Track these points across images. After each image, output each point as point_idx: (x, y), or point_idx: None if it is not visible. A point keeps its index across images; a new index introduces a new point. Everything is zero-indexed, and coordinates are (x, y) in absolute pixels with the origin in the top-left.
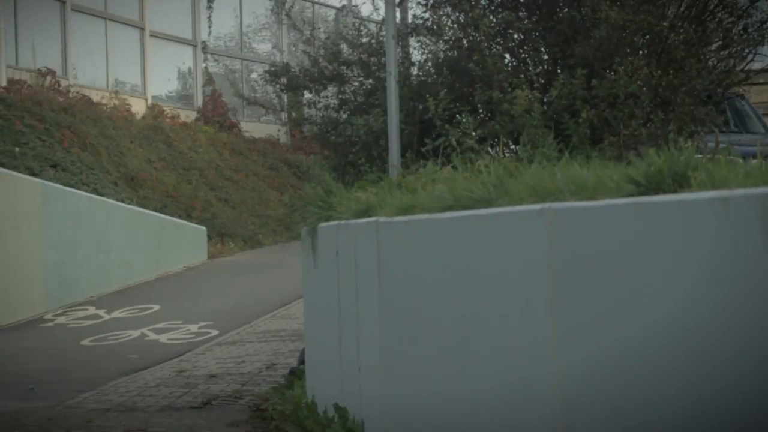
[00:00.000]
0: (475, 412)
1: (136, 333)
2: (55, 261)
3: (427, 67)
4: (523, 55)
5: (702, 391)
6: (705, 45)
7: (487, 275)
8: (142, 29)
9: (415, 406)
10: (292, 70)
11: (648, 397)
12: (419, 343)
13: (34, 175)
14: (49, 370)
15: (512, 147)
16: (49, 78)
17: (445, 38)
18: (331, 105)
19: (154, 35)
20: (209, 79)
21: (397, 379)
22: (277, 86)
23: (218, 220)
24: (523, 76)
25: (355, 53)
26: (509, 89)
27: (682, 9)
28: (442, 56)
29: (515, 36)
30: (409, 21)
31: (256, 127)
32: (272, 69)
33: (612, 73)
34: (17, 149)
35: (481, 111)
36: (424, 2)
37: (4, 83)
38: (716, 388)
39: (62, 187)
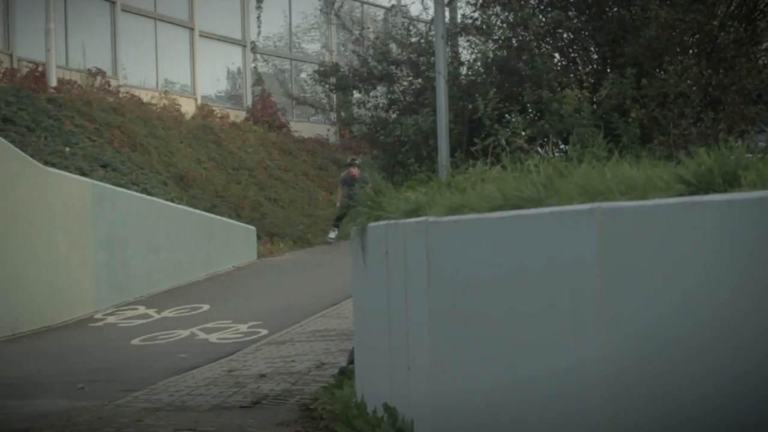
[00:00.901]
0: (524, 406)
1: (185, 332)
2: (105, 261)
3: (476, 67)
4: (572, 55)
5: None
6: (755, 44)
7: (536, 274)
8: (192, 29)
9: (464, 404)
10: (342, 69)
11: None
12: (469, 341)
13: (84, 175)
14: (99, 369)
15: (562, 146)
16: (99, 78)
17: (495, 38)
18: (381, 105)
19: (204, 35)
20: (258, 79)
21: (446, 377)
22: (327, 86)
23: (268, 220)
24: (572, 75)
25: (404, 53)
26: (559, 89)
27: (732, 8)
28: (491, 56)
29: (565, 35)
30: (459, 20)
31: (306, 127)
32: (321, 69)
33: (662, 72)
34: (67, 149)
35: (530, 110)
36: (474, 2)
37: (54, 83)
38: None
39: (112, 187)
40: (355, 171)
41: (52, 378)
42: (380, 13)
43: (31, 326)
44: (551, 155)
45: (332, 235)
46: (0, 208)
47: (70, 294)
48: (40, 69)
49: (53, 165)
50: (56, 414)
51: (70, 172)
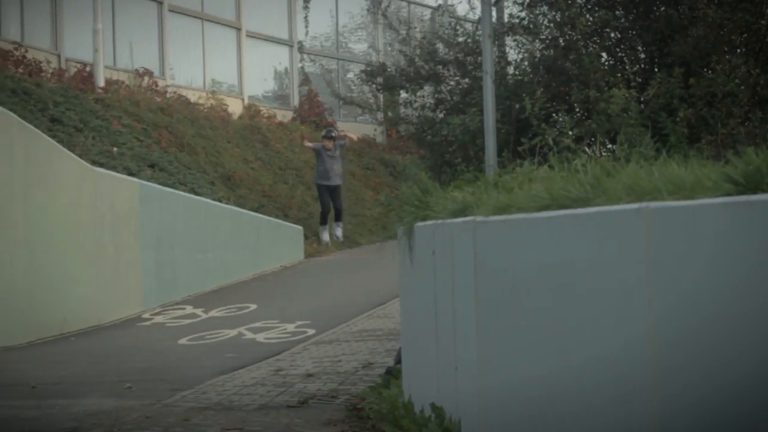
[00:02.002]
0: (569, 410)
1: (233, 332)
2: (152, 260)
3: (523, 66)
4: (619, 54)
5: None
6: None
7: (584, 274)
8: (239, 29)
9: (511, 404)
10: (388, 69)
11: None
12: (516, 342)
13: (131, 175)
14: (146, 368)
15: (609, 146)
16: (146, 78)
17: (542, 37)
18: (428, 104)
19: (251, 35)
20: (305, 79)
21: (494, 377)
22: (374, 86)
23: (315, 220)
24: (620, 74)
25: (451, 53)
26: (606, 88)
27: None
28: (538, 55)
29: (612, 35)
30: (506, 20)
31: (352, 127)
32: (368, 69)
33: (710, 71)
34: (115, 149)
35: (577, 110)
36: (521, 1)
37: (102, 84)
38: None
39: (159, 186)
40: (330, 144)
41: (100, 377)
42: (427, 12)
43: (79, 326)
44: (599, 155)
45: (326, 236)
46: (49, 208)
47: (117, 294)
48: (87, 69)
49: (101, 165)
50: (104, 413)
51: (117, 172)
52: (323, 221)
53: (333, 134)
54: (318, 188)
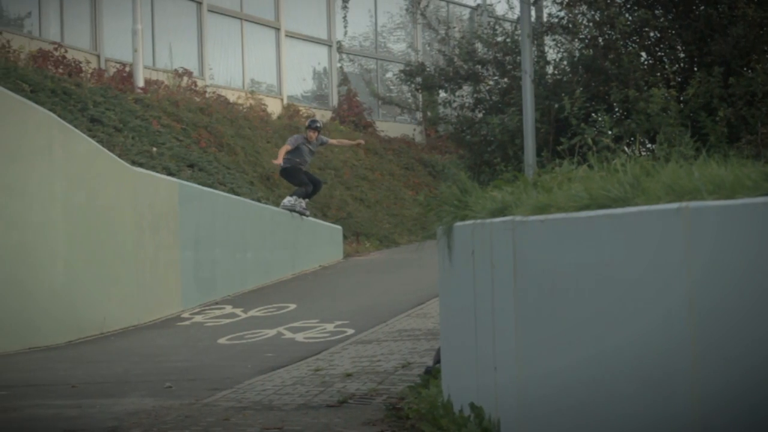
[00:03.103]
0: (609, 406)
1: (272, 332)
2: (191, 260)
3: (562, 66)
4: (659, 54)
5: None
6: None
7: (623, 273)
8: (278, 29)
9: (551, 404)
10: (427, 69)
11: None
12: (555, 341)
13: (171, 174)
14: (186, 368)
15: (649, 145)
16: (185, 78)
17: (581, 36)
18: (467, 104)
19: (290, 35)
20: (344, 79)
21: (533, 377)
22: (412, 85)
23: (354, 220)
24: (659, 74)
25: (490, 52)
26: (645, 88)
27: None
28: (577, 55)
29: (651, 34)
30: (545, 19)
31: (391, 127)
32: (407, 68)
33: (749, 70)
34: (155, 149)
35: (617, 109)
36: (560, 1)
37: (141, 84)
38: None
39: (199, 186)
40: (314, 135)
41: (140, 377)
42: (466, 12)
43: (118, 325)
44: (638, 154)
45: (291, 200)
46: (89, 208)
47: (157, 293)
48: (127, 69)
49: (141, 165)
50: (144, 412)
51: (157, 172)
52: (309, 195)
53: (318, 125)
54: (293, 171)
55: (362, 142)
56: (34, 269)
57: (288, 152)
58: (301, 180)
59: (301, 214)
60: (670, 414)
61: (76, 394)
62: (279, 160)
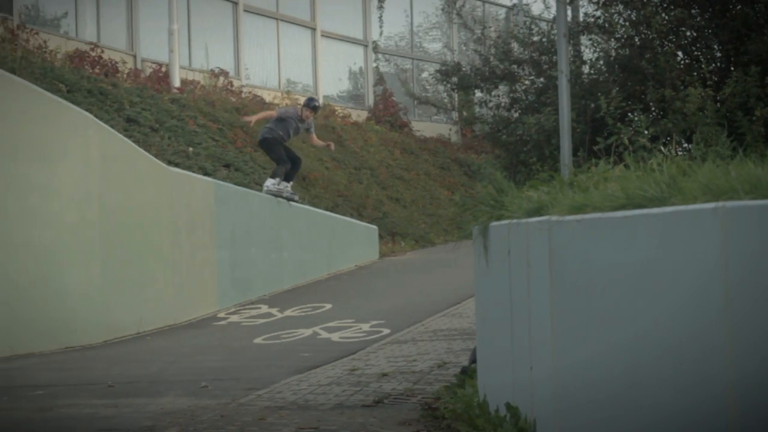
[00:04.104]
0: (646, 405)
1: (308, 331)
2: (227, 260)
3: (598, 66)
4: (695, 53)
5: None
6: None
7: (660, 273)
8: (314, 29)
9: (587, 405)
10: (463, 69)
11: None
12: (592, 341)
13: (207, 174)
14: (222, 368)
15: (685, 145)
16: (221, 78)
17: (617, 36)
18: (502, 104)
19: (326, 35)
20: (380, 79)
21: (569, 377)
22: (448, 85)
23: (389, 219)
24: (695, 73)
25: (526, 52)
26: (682, 87)
27: None
28: (613, 54)
29: (688, 33)
30: (581, 19)
31: (427, 127)
32: (443, 68)
33: None
34: (191, 149)
35: (653, 109)
36: (596, 0)
37: (177, 84)
38: None
39: (235, 186)
40: (309, 115)
41: (176, 376)
42: (502, 12)
43: (154, 325)
44: (674, 154)
45: (273, 183)
46: (125, 208)
47: (193, 293)
48: (163, 70)
49: (177, 165)
50: (180, 412)
51: (193, 171)
52: (290, 176)
53: (317, 105)
54: (274, 143)
55: (332, 146)
56: (70, 269)
57: (273, 122)
58: (280, 155)
59: (290, 199)
60: (704, 414)
61: (113, 393)
62: (251, 119)
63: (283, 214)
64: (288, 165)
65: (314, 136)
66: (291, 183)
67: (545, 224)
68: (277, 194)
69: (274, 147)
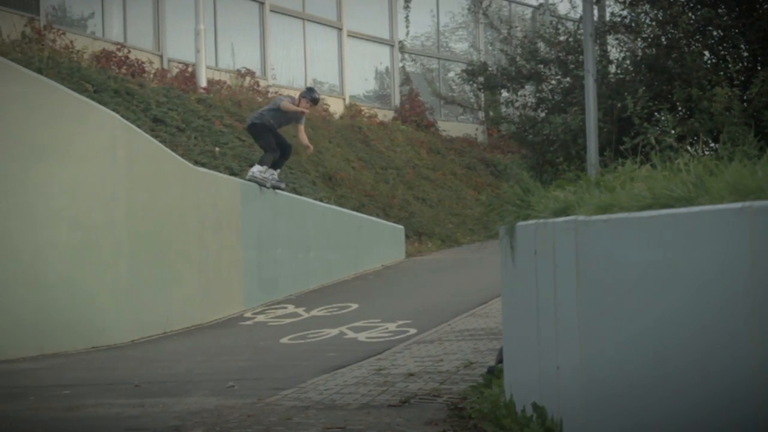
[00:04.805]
0: (674, 403)
1: (334, 331)
2: (254, 260)
3: (625, 65)
4: (722, 53)
5: None
6: None
7: (687, 273)
8: (340, 29)
9: (614, 405)
10: (490, 69)
11: None
12: (618, 342)
13: (233, 174)
14: (248, 367)
15: (712, 145)
16: (248, 78)
17: (644, 36)
18: (529, 104)
19: (352, 35)
20: (406, 79)
21: (596, 377)
22: (475, 85)
23: (416, 219)
24: (722, 73)
25: (552, 52)
26: (709, 87)
27: None
28: (640, 54)
29: (714, 33)
30: (607, 19)
31: (453, 126)
32: (469, 68)
33: None
34: (217, 149)
35: (680, 109)
36: (622, 0)
37: (204, 84)
38: None
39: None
40: (306, 106)
41: (203, 376)
42: (528, 11)
43: (181, 325)
44: (701, 154)
45: (260, 170)
46: (152, 208)
47: (220, 293)
48: (189, 70)
49: (203, 165)
50: (207, 411)
51: (219, 171)
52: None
53: (317, 96)
54: (264, 130)
55: (311, 149)
56: (97, 269)
57: (266, 109)
58: (269, 143)
59: (275, 187)
60: (733, 416)
61: (139, 393)
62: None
63: (310, 214)
64: (277, 153)
65: (302, 128)
66: (278, 171)
67: (572, 224)
68: (261, 182)
69: (262, 133)
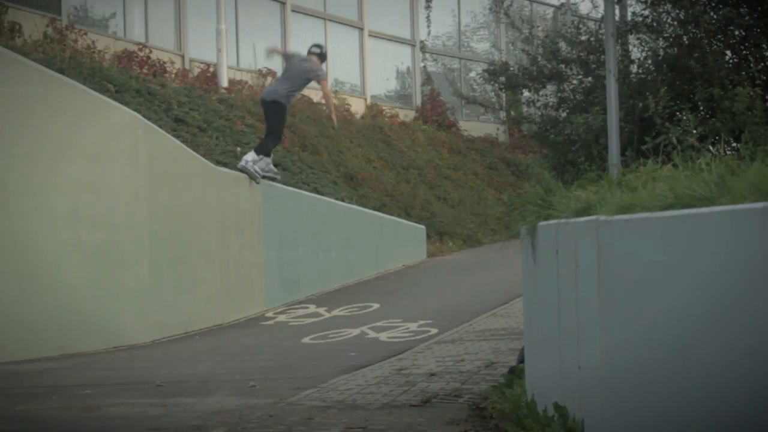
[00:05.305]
0: (698, 405)
1: (355, 331)
2: (275, 260)
3: (646, 65)
4: (744, 52)
5: None
6: None
7: (709, 273)
8: (361, 29)
9: (636, 405)
10: (511, 68)
11: None
12: (640, 341)
13: None
14: (270, 367)
15: (734, 145)
16: (269, 78)
17: (665, 35)
18: (550, 103)
19: (373, 35)
20: (428, 79)
21: (617, 376)
22: (496, 85)
23: (437, 219)
24: (744, 73)
25: (573, 51)
26: (730, 86)
27: None
28: (661, 53)
29: (736, 32)
30: (629, 18)
31: (475, 126)
32: (491, 68)
33: None
34: (239, 149)
35: (701, 108)
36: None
37: (225, 84)
38: None
39: (283, 186)
40: (317, 61)
41: (224, 376)
42: (549, 11)
43: (202, 325)
44: (723, 153)
45: (254, 159)
46: (173, 208)
47: (241, 293)
48: (211, 70)
49: (225, 165)
50: (228, 411)
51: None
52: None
53: (323, 50)
54: (283, 112)
55: (335, 121)
56: (119, 269)
57: (285, 81)
58: (280, 127)
59: (273, 179)
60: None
61: (161, 393)
62: (279, 49)
63: (331, 213)
64: (279, 142)
65: (326, 84)
66: (270, 157)
67: (593, 224)
68: (252, 175)
69: (281, 115)
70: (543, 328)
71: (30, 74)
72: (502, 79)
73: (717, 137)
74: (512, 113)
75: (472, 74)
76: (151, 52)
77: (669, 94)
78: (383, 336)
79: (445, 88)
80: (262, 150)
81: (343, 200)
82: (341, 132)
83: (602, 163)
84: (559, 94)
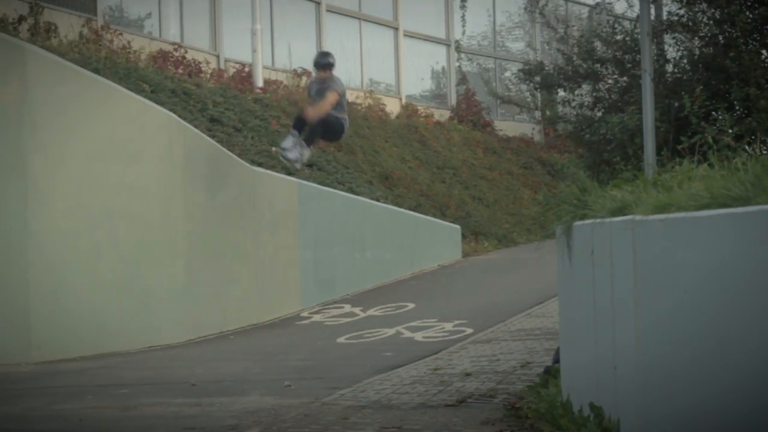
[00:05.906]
0: (734, 409)
1: (391, 331)
2: (311, 259)
3: (682, 64)
4: None
5: None
6: None
7: (745, 273)
8: (396, 29)
9: (672, 405)
10: (546, 68)
11: None
12: (677, 341)
13: (290, 174)
14: (305, 367)
15: None
16: (304, 78)
17: (701, 35)
18: (586, 103)
19: (408, 35)
20: (463, 78)
21: (653, 378)
22: (531, 85)
23: (472, 219)
24: None
25: (609, 51)
26: (766, 86)
27: None
28: (697, 53)
29: None
30: (664, 18)
31: (510, 126)
32: (526, 67)
33: None
34: (274, 149)
35: (737, 108)
36: None
37: (260, 84)
38: None
39: (318, 186)
40: (323, 75)
41: (260, 375)
42: (584, 10)
43: (238, 324)
44: (759, 153)
45: (294, 142)
46: (208, 208)
47: (276, 292)
48: (246, 70)
49: (260, 164)
50: (264, 411)
51: (276, 171)
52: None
53: (331, 62)
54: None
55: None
56: (154, 268)
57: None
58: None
59: (301, 161)
60: None
61: (196, 392)
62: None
63: (366, 213)
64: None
65: (334, 95)
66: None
67: (629, 224)
68: (292, 161)
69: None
70: (578, 328)
71: (66, 74)
72: (537, 78)
73: (753, 136)
74: (547, 113)
75: (507, 74)
76: (186, 52)
77: (705, 93)
78: (418, 336)
79: (480, 88)
80: (310, 132)
81: (378, 200)
82: (376, 132)
83: (638, 163)
84: (594, 94)
